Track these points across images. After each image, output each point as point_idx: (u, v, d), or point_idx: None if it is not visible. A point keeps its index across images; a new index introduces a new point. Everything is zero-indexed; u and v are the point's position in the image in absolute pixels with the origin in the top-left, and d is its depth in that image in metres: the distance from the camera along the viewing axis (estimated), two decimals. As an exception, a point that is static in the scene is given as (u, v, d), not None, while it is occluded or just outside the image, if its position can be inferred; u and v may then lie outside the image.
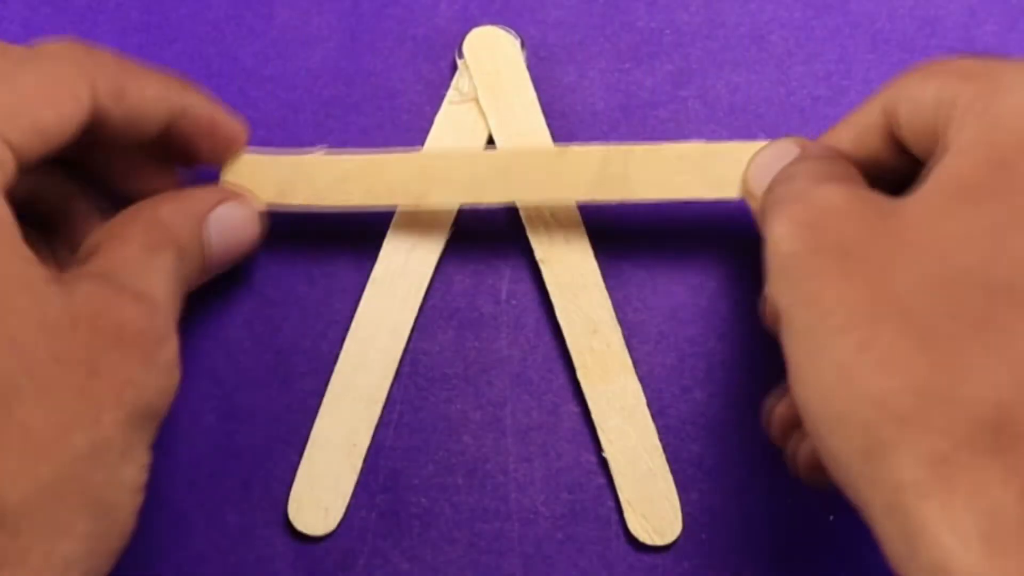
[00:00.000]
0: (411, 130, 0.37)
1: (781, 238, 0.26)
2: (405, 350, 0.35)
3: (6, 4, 0.38)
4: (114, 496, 0.27)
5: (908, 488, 0.22)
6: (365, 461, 0.35)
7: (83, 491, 0.26)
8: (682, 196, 0.33)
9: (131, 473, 0.27)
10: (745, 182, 0.32)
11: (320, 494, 0.34)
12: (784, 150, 0.31)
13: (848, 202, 0.26)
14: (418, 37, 0.38)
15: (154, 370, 0.27)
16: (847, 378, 0.24)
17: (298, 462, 0.35)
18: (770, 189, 0.29)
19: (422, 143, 0.36)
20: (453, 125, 0.36)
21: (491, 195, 0.34)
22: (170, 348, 0.28)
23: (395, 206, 0.35)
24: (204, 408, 0.35)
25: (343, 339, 0.35)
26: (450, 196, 0.34)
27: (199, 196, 0.33)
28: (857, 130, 0.30)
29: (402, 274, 0.35)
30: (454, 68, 0.37)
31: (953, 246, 0.24)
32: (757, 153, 0.32)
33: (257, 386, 0.36)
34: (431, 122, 0.36)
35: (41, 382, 0.25)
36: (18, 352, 0.25)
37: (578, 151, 0.34)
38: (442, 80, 0.37)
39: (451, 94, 0.37)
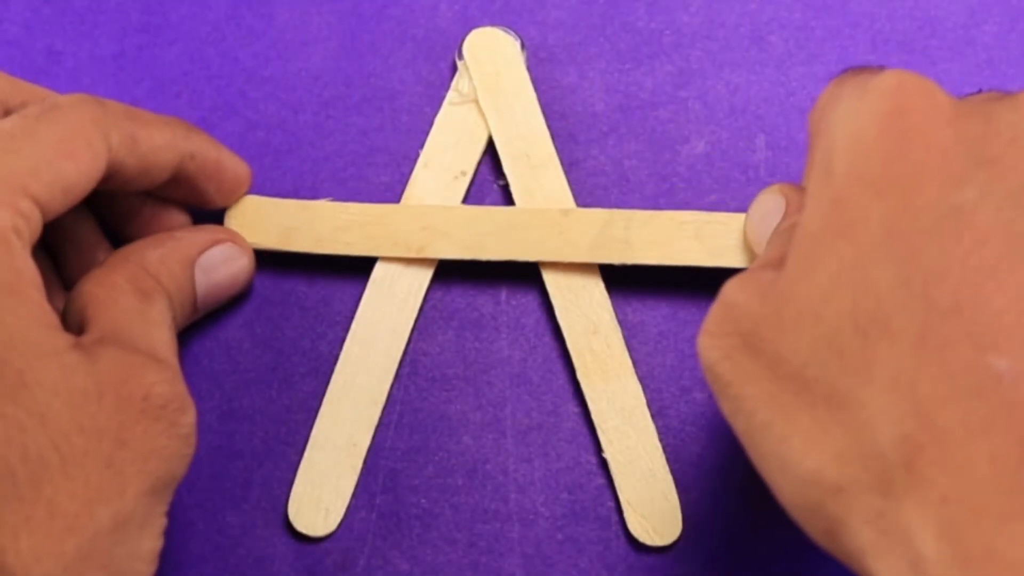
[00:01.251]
0: (411, 131, 0.37)
1: (700, 352, 0.26)
2: (405, 350, 0.35)
3: (6, 4, 0.38)
4: (134, 567, 0.27)
5: (866, 553, 0.22)
6: (365, 461, 0.35)
7: (105, 565, 0.26)
8: (682, 262, 0.34)
9: (149, 544, 0.27)
10: (749, 247, 0.33)
11: (320, 494, 0.34)
12: (773, 205, 0.31)
13: (740, 291, 0.26)
14: (418, 38, 0.38)
15: (177, 439, 0.28)
16: (786, 469, 0.24)
17: (298, 462, 0.35)
18: None
19: (422, 144, 0.36)
20: (453, 126, 0.36)
21: (491, 252, 0.35)
22: (191, 415, 0.28)
23: (395, 257, 0.35)
24: (204, 408, 0.35)
25: (343, 339, 0.35)
26: (450, 251, 0.35)
27: (188, 239, 0.33)
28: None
29: (402, 274, 0.35)
30: (454, 69, 0.37)
31: (821, 301, 0.23)
32: (750, 210, 0.32)
33: (257, 386, 0.36)
34: (431, 123, 0.36)
35: (68, 455, 0.25)
36: (46, 425, 0.25)
37: (580, 213, 0.35)
38: (442, 81, 0.37)
39: (451, 95, 0.37)
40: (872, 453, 0.22)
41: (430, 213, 0.35)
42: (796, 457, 0.23)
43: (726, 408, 0.26)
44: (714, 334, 0.26)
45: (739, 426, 0.25)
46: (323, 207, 0.35)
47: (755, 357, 0.25)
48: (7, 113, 0.30)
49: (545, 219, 0.35)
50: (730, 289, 0.26)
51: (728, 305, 0.26)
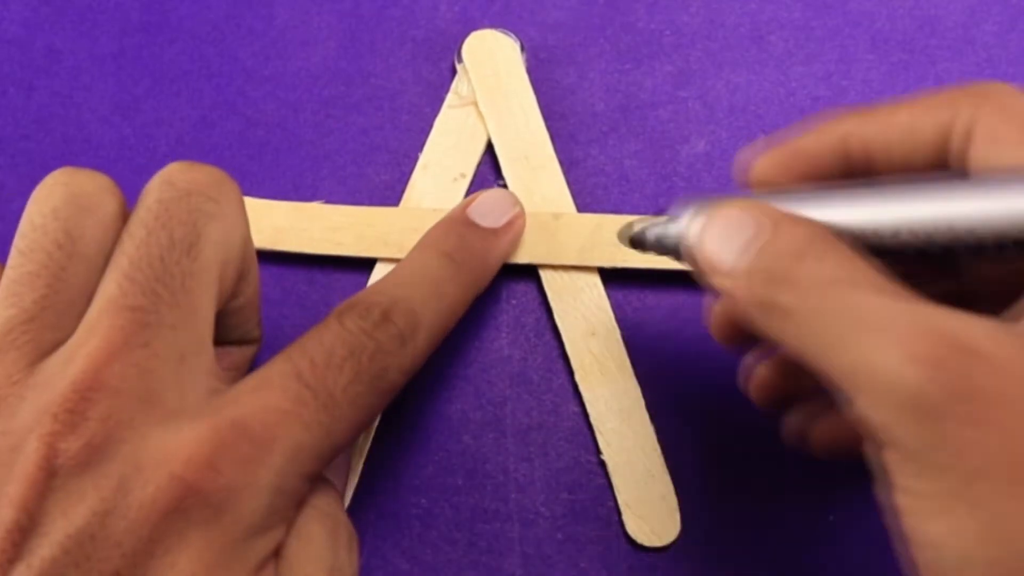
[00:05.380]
0: (411, 131, 0.37)
1: (902, 374, 0.21)
2: (405, 350, 0.35)
3: (6, 4, 0.38)
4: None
5: None
6: (365, 461, 0.35)
7: None
8: (670, 265, 0.34)
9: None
10: (700, 259, 0.26)
11: (320, 494, 0.34)
12: (738, 225, 0.25)
13: (989, 340, 0.22)
14: (418, 39, 0.38)
15: None
16: (999, 528, 0.21)
17: (298, 462, 0.35)
18: (776, 280, 0.24)
19: (422, 145, 0.36)
20: (452, 129, 0.36)
21: None
22: None
23: (392, 258, 0.35)
24: (205, 408, 0.35)
25: (343, 340, 0.35)
26: None
27: None
28: (908, 127, 0.26)
29: (402, 275, 0.35)
30: (454, 70, 0.37)
31: None
32: (704, 234, 0.25)
33: (257, 386, 0.36)
34: (430, 124, 0.36)
35: None
36: None
37: (571, 217, 0.35)
38: (442, 82, 0.37)
39: (450, 98, 0.37)
40: None
41: (421, 215, 0.35)
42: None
43: (907, 432, 0.22)
44: (938, 367, 0.21)
45: (926, 460, 0.22)
46: (314, 209, 0.35)
47: (993, 411, 0.21)
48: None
49: (536, 222, 0.35)
50: (968, 329, 0.22)
51: (966, 347, 0.22)
